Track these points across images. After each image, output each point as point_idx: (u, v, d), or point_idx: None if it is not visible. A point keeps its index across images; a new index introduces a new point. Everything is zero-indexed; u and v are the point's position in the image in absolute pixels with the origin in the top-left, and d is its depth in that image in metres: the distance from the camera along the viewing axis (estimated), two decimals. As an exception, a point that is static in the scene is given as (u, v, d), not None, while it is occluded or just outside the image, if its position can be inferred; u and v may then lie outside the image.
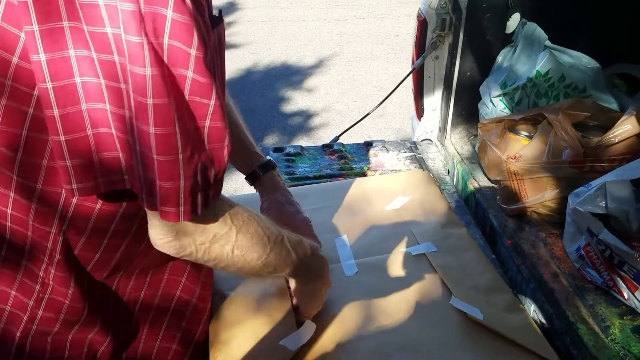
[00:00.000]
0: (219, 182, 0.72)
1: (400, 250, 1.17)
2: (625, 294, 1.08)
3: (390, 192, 1.37)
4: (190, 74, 0.63)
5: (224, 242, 0.76)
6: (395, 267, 1.13)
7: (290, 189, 1.41)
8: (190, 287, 0.96)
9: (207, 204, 0.70)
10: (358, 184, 1.42)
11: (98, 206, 0.76)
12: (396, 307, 1.04)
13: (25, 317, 0.80)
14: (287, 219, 1.06)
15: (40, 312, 0.80)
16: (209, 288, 1.00)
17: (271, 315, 1.02)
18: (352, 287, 1.09)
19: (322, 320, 1.01)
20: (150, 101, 0.62)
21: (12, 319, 0.80)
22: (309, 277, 0.98)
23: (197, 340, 1.00)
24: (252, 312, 1.04)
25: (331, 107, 3.97)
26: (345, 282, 1.10)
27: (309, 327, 0.97)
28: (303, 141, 3.51)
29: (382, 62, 4.72)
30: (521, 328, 0.99)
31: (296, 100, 4.11)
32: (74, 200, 0.74)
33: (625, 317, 1.08)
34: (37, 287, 0.79)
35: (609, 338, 1.04)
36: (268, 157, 1.15)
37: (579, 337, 1.05)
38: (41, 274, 0.78)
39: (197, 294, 0.97)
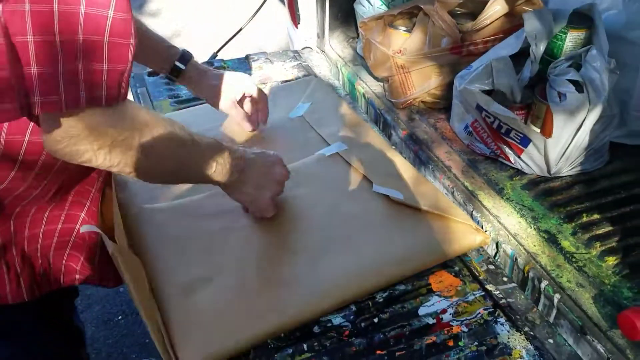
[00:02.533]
0: (119, 83, 0.68)
1: (314, 153, 1.20)
2: (512, 158, 1.23)
3: (289, 101, 1.38)
4: None
5: (126, 147, 0.74)
6: (314, 169, 1.16)
7: (180, 111, 1.36)
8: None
9: (94, 101, 0.67)
10: (256, 96, 1.40)
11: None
12: (323, 204, 1.08)
13: None
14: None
15: None
16: None
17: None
18: (275, 195, 1.10)
19: (251, 232, 1.03)
20: None
21: None
22: (240, 185, 0.96)
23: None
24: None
25: (181, 31, 3.75)
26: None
27: None
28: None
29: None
30: (434, 200, 1.09)
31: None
32: None
33: (514, 178, 1.23)
34: None
35: (504, 198, 1.18)
36: (182, 48, 1.14)
37: (480, 201, 1.19)
38: None
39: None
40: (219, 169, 0.90)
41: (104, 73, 0.66)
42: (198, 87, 1.20)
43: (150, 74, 1.57)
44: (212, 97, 1.20)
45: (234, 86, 1.20)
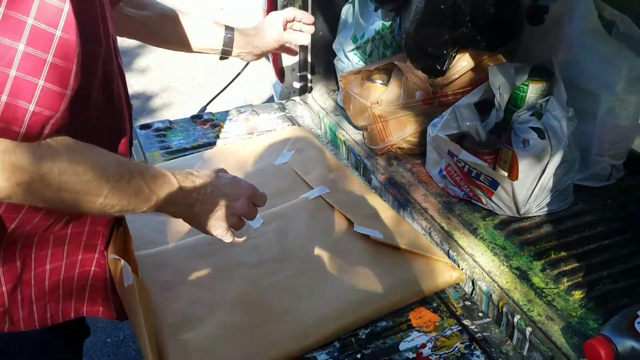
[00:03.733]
0: (42, 126, 0.67)
1: (298, 197, 1.27)
2: (484, 200, 1.31)
3: (275, 149, 1.46)
4: None
5: (45, 184, 0.71)
6: (298, 211, 1.23)
7: (171, 161, 1.44)
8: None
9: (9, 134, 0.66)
10: (242, 146, 1.48)
11: None
12: (308, 243, 1.14)
13: None
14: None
15: None
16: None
17: None
18: (262, 237, 1.17)
19: (240, 273, 1.08)
20: None
21: None
22: (181, 210, 0.90)
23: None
24: None
25: (170, 86, 3.87)
26: (254, 233, 1.18)
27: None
28: (140, 121, 3.39)
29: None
30: (413, 239, 1.16)
31: (130, 83, 3.92)
32: None
33: (487, 219, 1.31)
34: None
35: (478, 237, 1.26)
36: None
37: (455, 241, 1.26)
38: None
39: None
40: (158, 202, 0.84)
41: (28, 113, 0.65)
42: (248, 33, 1.31)
43: (141, 127, 1.64)
44: (262, 29, 1.31)
45: (279, 13, 1.31)
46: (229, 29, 1.30)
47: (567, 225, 1.30)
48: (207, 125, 1.72)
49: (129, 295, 0.87)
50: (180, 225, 1.19)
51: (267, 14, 1.85)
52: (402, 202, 1.41)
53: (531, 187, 1.24)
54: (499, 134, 1.32)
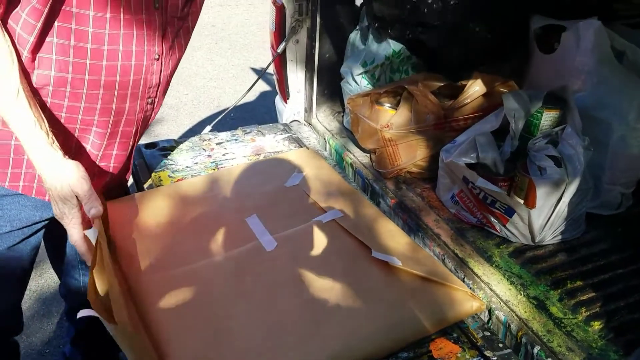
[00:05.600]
0: None
1: (312, 220, 1.24)
2: (498, 227, 1.30)
3: (284, 171, 1.43)
4: None
5: None
6: (312, 235, 1.20)
7: (181, 182, 1.41)
8: None
9: None
10: (252, 168, 1.46)
11: None
12: (324, 268, 1.11)
13: None
14: None
15: None
16: None
17: None
18: (277, 260, 1.13)
19: (255, 297, 1.05)
20: None
21: None
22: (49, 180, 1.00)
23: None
24: None
25: (175, 104, 3.84)
26: (268, 257, 1.14)
27: None
28: (143, 138, 3.36)
29: (205, 53, 4.69)
30: (431, 266, 1.13)
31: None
32: None
33: (501, 246, 1.29)
34: None
35: (493, 265, 1.24)
36: None
37: (470, 269, 1.24)
38: None
39: None
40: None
41: None
42: None
43: (147, 146, 1.61)
44: None
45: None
46: None
47: (581, 254, 1.29)
48: (212, 146, 1.69)
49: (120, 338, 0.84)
50: (196, 246, 1.16)
51: (275, 36, 1.86)
52: (413, 227, 1.39)
53: (547, 215, 1.23)
54: (513, 160, 1.31)
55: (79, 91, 1.05)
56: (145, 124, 1.24)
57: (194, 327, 0.98)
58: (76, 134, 1.11)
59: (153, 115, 1.25)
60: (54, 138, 1.00)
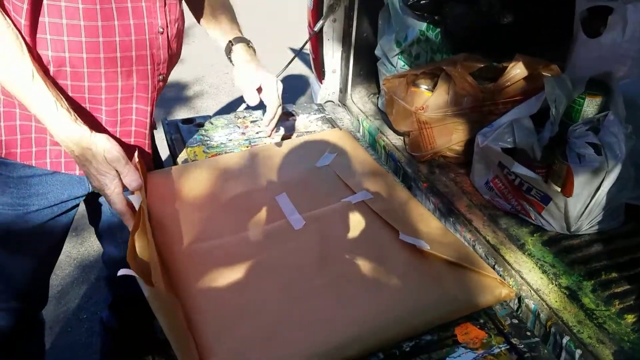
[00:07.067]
0: None
1: (341, 200, 1.24)
2: (532, 214, 1.27)
3: (316, 151, 1.43)
4: None
5: None
6: (341, 215, 1.20)
7: (215, 158, 1.43)
8: None
9: None
10: (284, 146, 1.46)
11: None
12: (351, 249, 1.11)
13: None
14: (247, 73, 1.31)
15: None
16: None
17: None
18: (304, 239, 1.14)
19: (282, 274, 1.06)
20: None
21: None
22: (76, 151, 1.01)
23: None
24: None
25: (203, 80, 3.89)
26: (295, 235, 1.15)
27: None
28: (183, 113, 3.43)
29: (246, 33, 4.70)
30: (460, 251, 1.12)
31: (165, 73, 3.97)
32: None
33: (535, 235, 1.27)
34: None
35: (526, 253, 1.22)
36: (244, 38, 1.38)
37: (502, 256, 1.22)
38: None
39: None
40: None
41: None
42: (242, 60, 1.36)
43: (183, 122, 1.64)
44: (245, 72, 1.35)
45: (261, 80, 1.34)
46: (240, 39, 1.38)
47: (618, 245, 1.25)
48: (247, 123, 1.70)
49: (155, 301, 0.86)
50: (226, 221, 1.18)
51: (312, 14, 1.84)
52: (445, 211, 1.38)
53: (585, 203, 1.19)
54: (551, 147, 1.28)
55: (79, 70, 1.04)
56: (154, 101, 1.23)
57: (222, 299, 1.00)
58: (88, 112, 1.11)
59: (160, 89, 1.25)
60: (76, 115, 1.00)
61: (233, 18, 1.42)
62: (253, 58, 1.36)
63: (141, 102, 1.15)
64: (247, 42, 1.38)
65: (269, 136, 1.42)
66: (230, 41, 1.36)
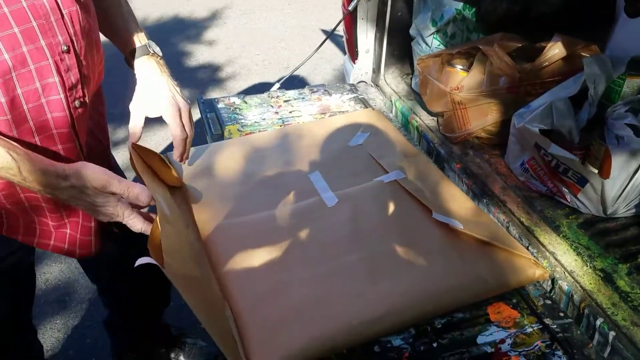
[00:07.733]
0: None
1: (373, 179, 1.25)
2: (568, 197, 1.25)
3: (349, 130, 1.44)
4: None
5: None
6: (373, 194, 1.21)
7: (250, 136, 1.45)
8: None
9: None
10: (317, 125, 1.47)
11: None
12: (383, 227, 1.12)
13: None
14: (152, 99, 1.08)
15: None
16: None
17: None
18: (336, 216, 1.16)
19: (314, 250, 1.07)
20: None
21: None
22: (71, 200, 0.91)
23: None
24: None
25: (234, 61, 3.92)
26: (328, 212, 1.17)
27: None
28: (215, 93, 3.47)
29: (277, 14, 4.70)
30: (493, 232, 1.12)
31: (196, 55, 4.02)
32: None
33: (570, 217, 1.25)
34: None
35: (560, 235, 1.21)
36: (153, 46, 1.13)
37: (536, 237, 1.21)
38: None
39: None
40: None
41: None
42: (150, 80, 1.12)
43: (218, 101, 1.66)
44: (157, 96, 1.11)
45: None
46: (142, 50, 1.12)
47: (656, 230, 1.23)
48: (280, 103, 1.72)
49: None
50: (260, 197, 1.20)
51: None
52: (478, 193, 1.37)
53: (622, 186, 1.17)
54: (589, 129, 1.26)
55: None
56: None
57: (255, 274, 1.02)
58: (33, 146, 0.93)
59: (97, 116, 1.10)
60: (42, 158, 0.88)
61: (133, 22, 1.15)
62: (159, 76, 1.11)
63: (64, 141, 0.96)
64: (152, 53, 1.13)
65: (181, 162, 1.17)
66: (130, 52, 1.12)
